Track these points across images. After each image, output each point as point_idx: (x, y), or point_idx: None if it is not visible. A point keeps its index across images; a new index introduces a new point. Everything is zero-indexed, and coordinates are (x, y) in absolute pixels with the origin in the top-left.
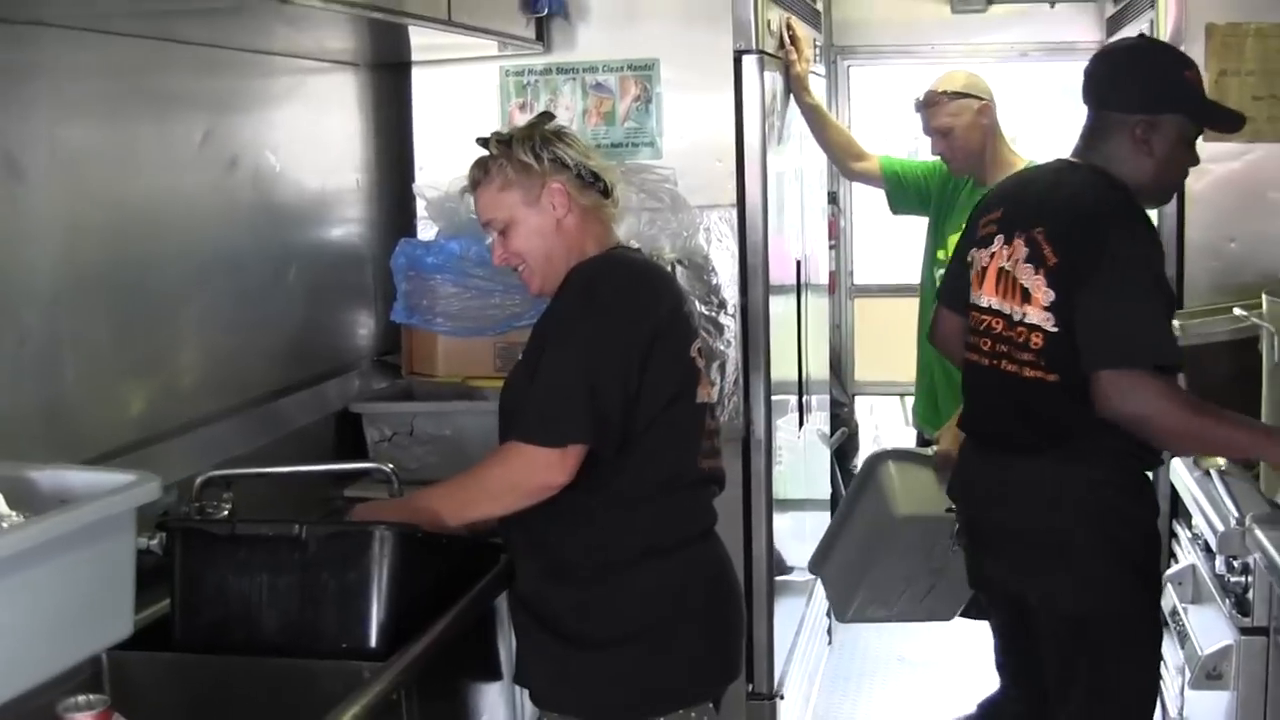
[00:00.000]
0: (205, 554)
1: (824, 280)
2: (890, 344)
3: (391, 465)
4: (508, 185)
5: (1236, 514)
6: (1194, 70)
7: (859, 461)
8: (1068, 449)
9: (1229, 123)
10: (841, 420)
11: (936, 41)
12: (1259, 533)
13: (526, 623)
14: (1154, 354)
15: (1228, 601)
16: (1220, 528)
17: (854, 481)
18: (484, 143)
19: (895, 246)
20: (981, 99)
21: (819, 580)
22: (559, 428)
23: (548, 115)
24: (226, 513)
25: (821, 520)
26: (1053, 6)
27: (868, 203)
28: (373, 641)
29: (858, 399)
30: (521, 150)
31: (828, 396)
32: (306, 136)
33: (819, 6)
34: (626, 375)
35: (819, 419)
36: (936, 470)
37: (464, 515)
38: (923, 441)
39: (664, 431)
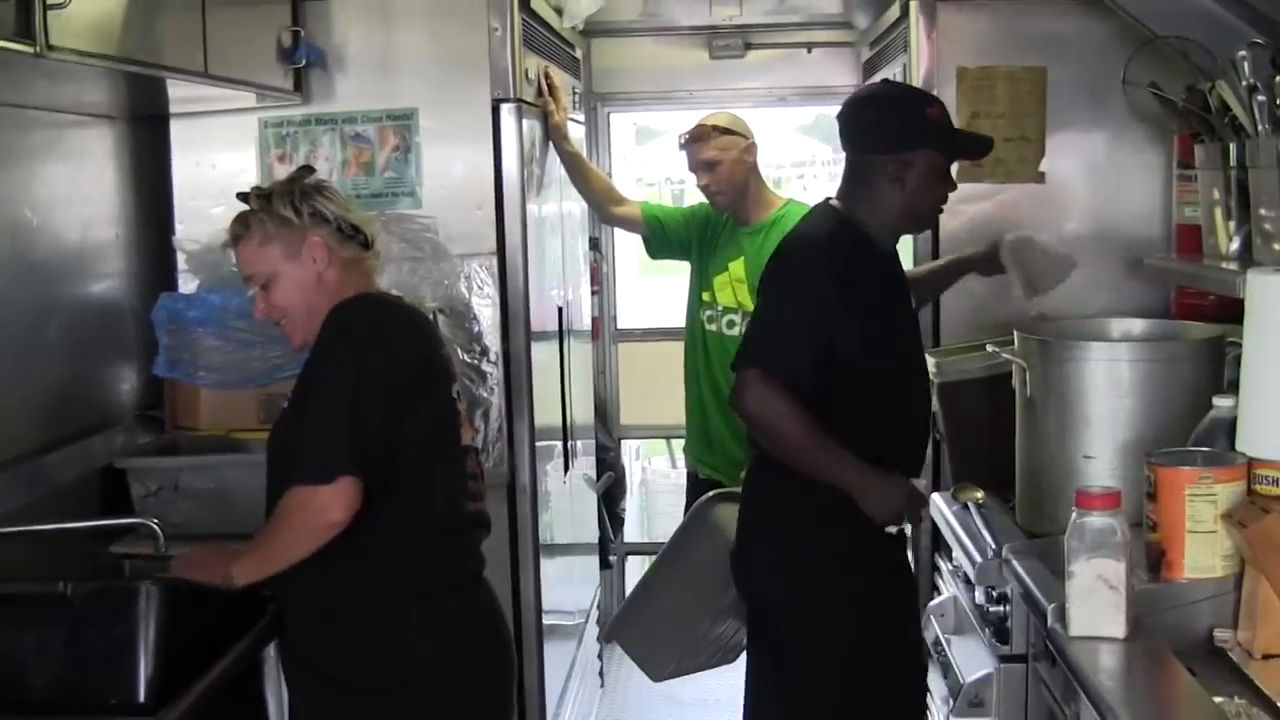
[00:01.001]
0: None
1: (587, 325)
2: (654, 387)
3: (158, 520)
4: (268, 240)
5: (994, 546)
6: (937, 106)
7: (626, 505)
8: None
9: (975, 150)
10: (608, 464)
11: (696, 87)
12: (1015, 563)
13: (298, 670)
14: (779, 363)
15: (988, 631)
16: (978, 559)
17: (680, 532)
18: (244, 197)
19: (657, 291)
20: (747, 138)
21: (616, 644)
22: (327, 464)
23: (308, 169)
24: None
25: (589, 564)
26: (809, 52)
27: (629, 248)
28: (141, 696)
29: (623, 443)
30: (281, 205)
31: (593, 441)
32: (65, 190)
33: (577, 54)
34: (387, 410)
35: (585, 464)
36: None
37: (265, 573)
38: (695, 480)
39: (430, 473)
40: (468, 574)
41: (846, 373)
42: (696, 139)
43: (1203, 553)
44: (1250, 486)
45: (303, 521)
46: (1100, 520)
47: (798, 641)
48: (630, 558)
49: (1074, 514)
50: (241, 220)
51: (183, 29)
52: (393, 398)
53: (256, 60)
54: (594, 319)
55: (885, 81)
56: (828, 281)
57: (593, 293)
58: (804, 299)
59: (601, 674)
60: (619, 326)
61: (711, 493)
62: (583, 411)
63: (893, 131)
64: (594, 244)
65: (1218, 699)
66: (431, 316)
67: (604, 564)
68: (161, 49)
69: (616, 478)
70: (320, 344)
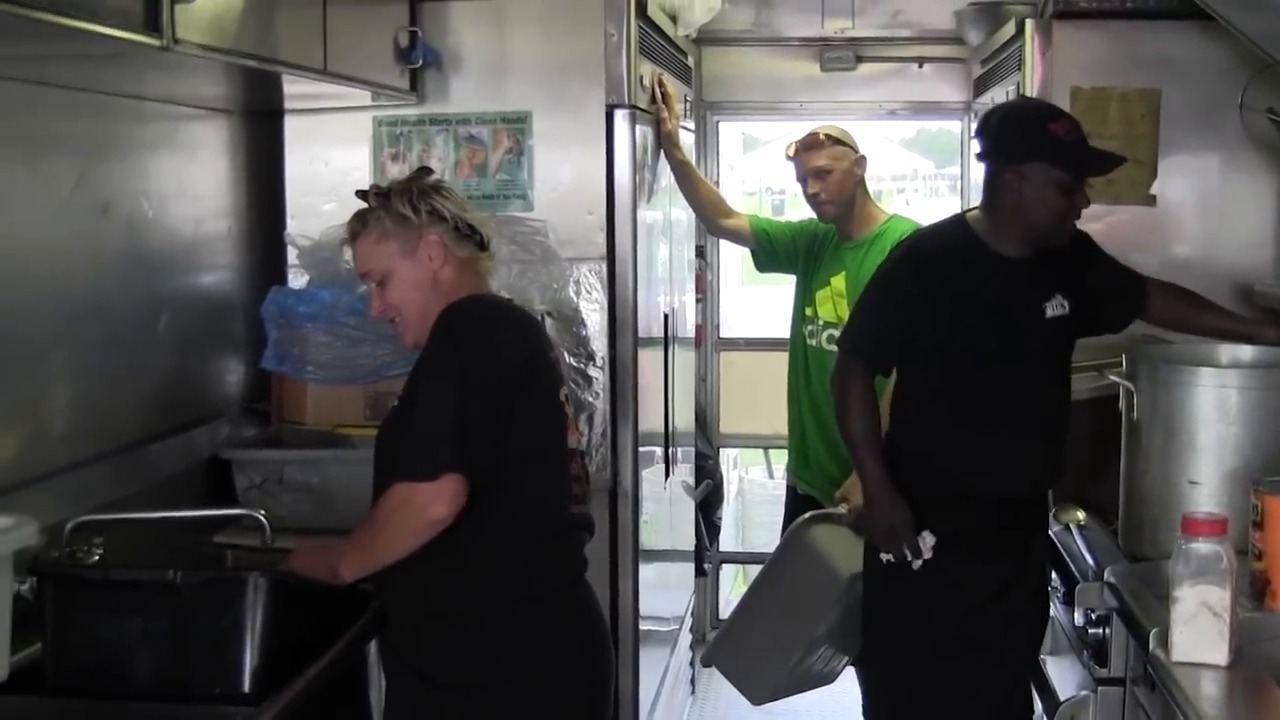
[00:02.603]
0: (78, 598)
1: (690, 333)
2: (755, 397)
3: (264, 512)
4: (385, 237)
5: (1095, 567)
6: (1062, 122)
7: (723, 513)
8: None
9: (1094, 167)
10: (706, 472)
11: (805, 98)
12: (1118, 586)
13: (398, 666)
14: (858, 345)
15: (1085, 653)
16: (1079, 580)
17: (776, 557)
18: (363, 195)
19: (760, 301)
20: (857, 151)
21: (715, 668)
22: (432, 460)
23: (426, 170)
24: (98, 558)
25: (685, 571)
26: (920, 67)
27: (734, 257)
28: (246, 687)
29: (722, 451)
30: (399, 203)
31: (693, 448)
32: (179, 183)
33: (689, 62)
34: (492, 411)
35: (684, 471)
36: (852, 527)
37: (367, 569)
38: (793, 494)
39: (535, 473)
40: (569, 575)
41: (922, 359)
42: (809, 146)
43: None
44: None
45: (405, 518)
46: (1206, 547)
47: (878, 625)
48: (725, 566)
49: (1180, 539)
50: (360, 217)
51: (303, 26)
52: (498, 399)
53: (374, 59)
54: (697, 327)
55: (1021, 96)
56: (907, 270)
57: (697, 300)
58: (885, 287)
59: (693, 681)
60: (721, 335)
61: (808, 514)
62: (684, 419)
63: (1010, 144)
64: (700, 252)
65: None
66: (540, 319)
67: (699, 572)
68: (282, 45)
69: (714, 486)
70: (430, 345)
